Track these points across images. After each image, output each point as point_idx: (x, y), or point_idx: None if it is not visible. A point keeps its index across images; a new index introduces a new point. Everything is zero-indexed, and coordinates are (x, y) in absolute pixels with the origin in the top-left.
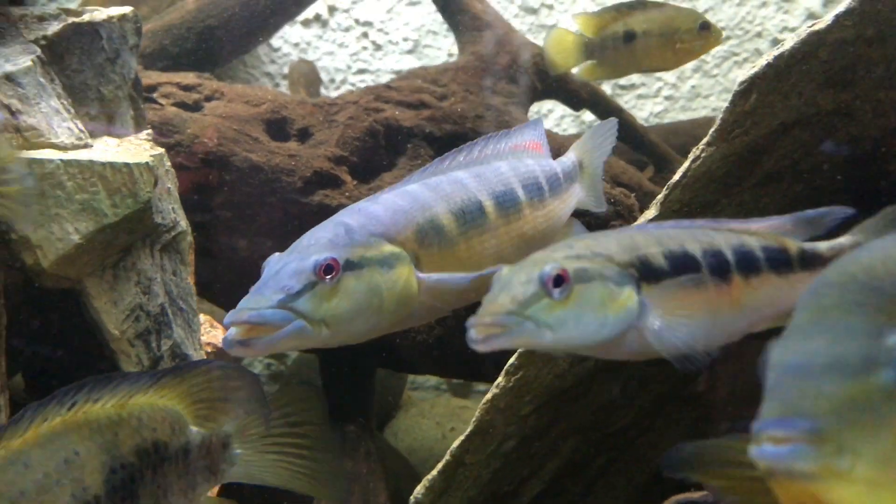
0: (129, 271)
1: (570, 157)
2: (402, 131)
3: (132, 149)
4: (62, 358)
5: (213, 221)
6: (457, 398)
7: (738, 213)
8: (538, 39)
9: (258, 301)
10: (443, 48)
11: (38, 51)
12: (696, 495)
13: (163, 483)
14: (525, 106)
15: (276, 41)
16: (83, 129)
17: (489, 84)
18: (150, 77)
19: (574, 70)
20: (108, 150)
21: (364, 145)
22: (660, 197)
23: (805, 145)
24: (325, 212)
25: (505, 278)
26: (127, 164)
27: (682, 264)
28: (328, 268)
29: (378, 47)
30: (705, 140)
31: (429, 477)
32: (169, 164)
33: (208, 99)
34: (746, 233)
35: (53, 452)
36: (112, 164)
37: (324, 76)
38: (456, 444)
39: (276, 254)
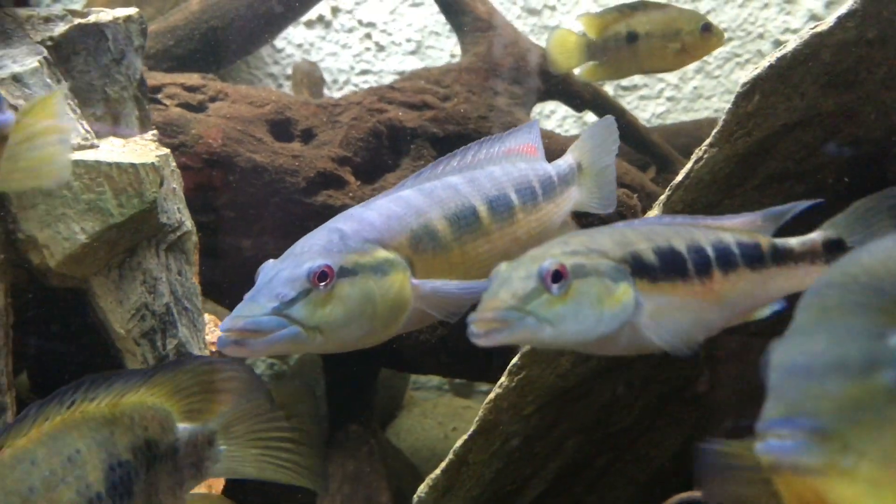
0: (135, 271)
1: (566, 160)
2: (405, 132)
3: (138, 149)
4: (67, 357)
5: (217, 221)
6: (459, 398)
7: None
8: (540, 40)
9: (252, 308)
10: (445, 49)
11: (45, 52)
12: (698, 494)
13: (154, 481)
14: (528, 107)
15: (279, 42)
16: (89, 129)
17: (492, 85)
18: (155, 78)
19: (576, 71)
20: (114, 150)
21: (367, 146)
22: (662, 198)
23: (807, 146)
24: (329, 212)
25: (503, 274)
26: (133, 165)
27: (670, 260)
28: (322, 275)
29: (381, 48)
30: (708, 141)
31: (432, 476)
32: (174, 164)
33: (212, 100)
34: (721, 229)
35: (57, 450)
36: (118, 165)
37: (327, 77)
38: (459, 443)
39: (271, 260)
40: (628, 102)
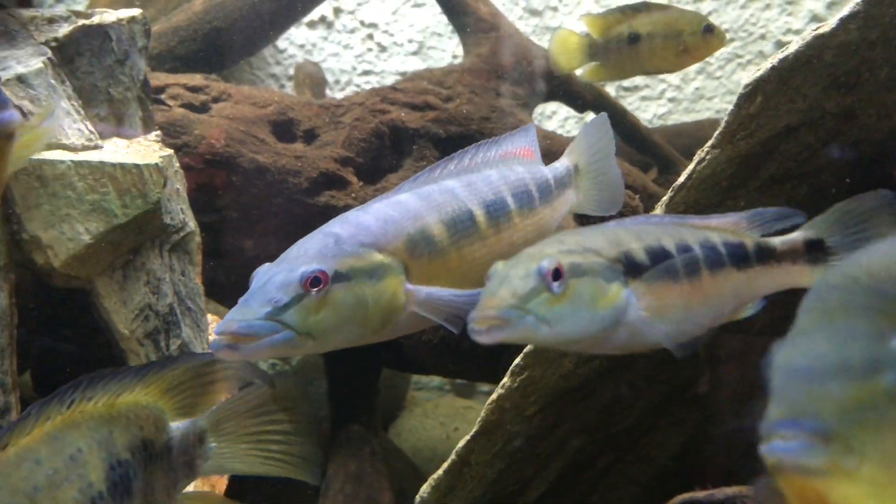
0: (139, 271)
1: (562, 163)
2: (407, 133)
3: (142, 150)
4: (70, 357)
5: (220, 222)
6: (460, 398)
7: None
8: (542, 41)
9: (245, 313)
10: (447, 50)
11: (49, 53)
12: (700, 494)
13: (151, 480)
14: (530, 108)
15: (281, 42)
16: (93, 130)
17: (494, 86)
18: (158, 78)
19: (578, 72)
20: (118, 151)
21: (370, 146)
22: (665, 199)
23: (809, 148)
24: (331, 212)
25: (501, 273)
26: (137, 165)
27: (661, 260)
28: (315, 280)
29: (383, 49)
30: (710, 142)
31: (434, 476)
32: (178, 165)
33: (215, 100)
34: (707, 228)
35: (59, 449)
36: (122, 165)
37: (329, 77)
38: (461, 443)
39: (266, 264)
40: (630, 103)
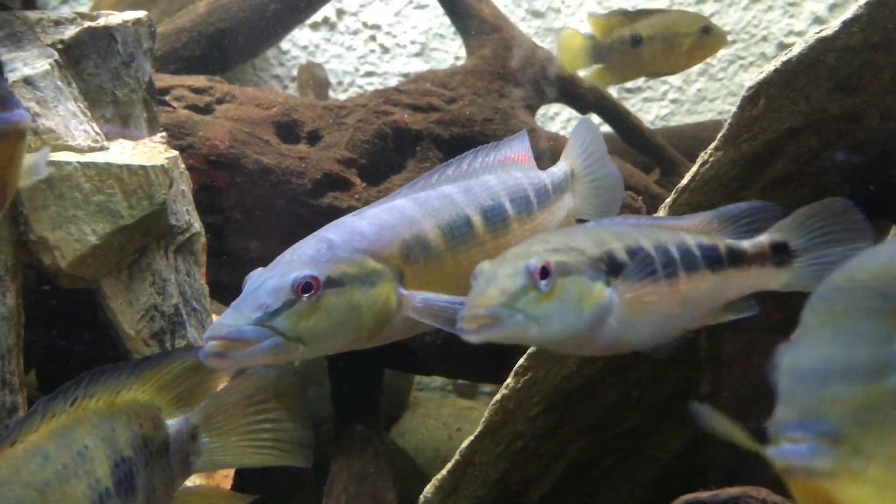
0: (145, 272)
1: (560, 167)
2: (410, 134)
3: (147, 151)
4: (76, 357)
5: (225, 223)
6: (463, 399)
7: None
8: (545, 43)
9: (236, 318)
10: (450, 51)
11: (56, 55)
12: (704, 495)
13: (151, 477)
14: (533, 109)
15: (284, 44)
16: (99, 131)
17: (497, 87)
18: (163, 80)
19: (582, 73)
20: (124, 152)
21: (373, 148)
22: (668, 200)
23: (812, 150)
24: (335, 213)
25: (488, 272)
26: (143, 167)
27: (641, 260)
28: (307, 286)
29: (386, 50)
30: (714, 144)
31: (438, 476)
32: (183, 166)
33: (219, 102)
34: (681, 230)
35: (66, 446)
36: (128, 167)
37: (332, 79)
38: (465, 444)
39: (259, 269)
40: (632, 105)
